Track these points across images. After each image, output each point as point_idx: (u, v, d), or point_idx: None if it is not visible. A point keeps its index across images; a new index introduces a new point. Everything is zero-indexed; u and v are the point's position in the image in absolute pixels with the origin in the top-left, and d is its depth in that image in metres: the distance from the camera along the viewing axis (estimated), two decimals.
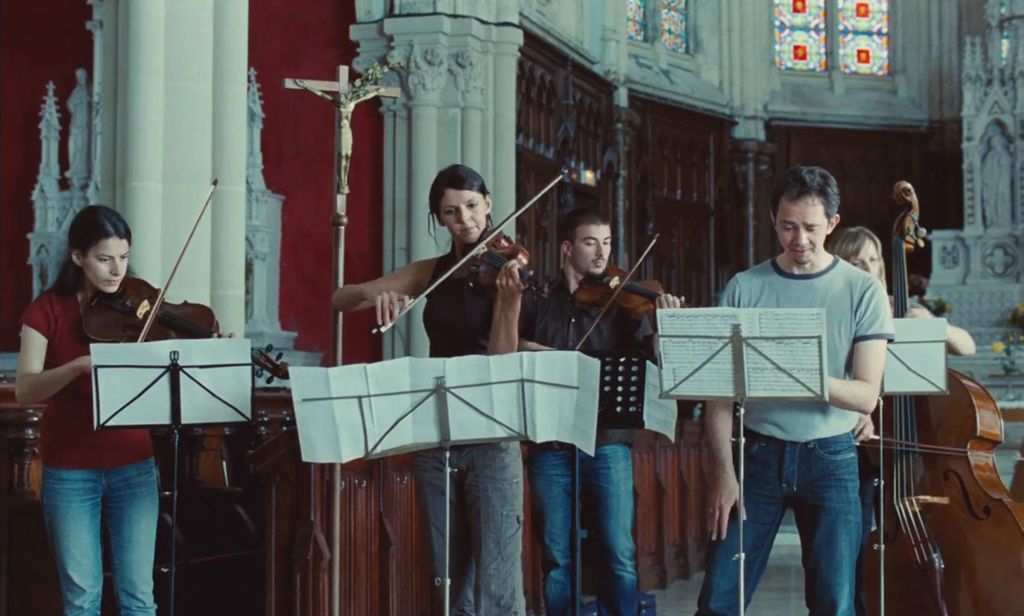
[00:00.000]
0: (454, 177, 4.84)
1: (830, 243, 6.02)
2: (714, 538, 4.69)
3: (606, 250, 5.98)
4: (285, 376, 5.07)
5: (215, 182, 5.77)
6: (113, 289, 4.95)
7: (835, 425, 4.69)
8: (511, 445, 4.69)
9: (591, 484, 5.97)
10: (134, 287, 5.01)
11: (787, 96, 20.23)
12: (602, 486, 5.98)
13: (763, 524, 4.73)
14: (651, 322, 5.74)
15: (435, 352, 4.78)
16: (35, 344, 4.93)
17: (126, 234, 4.98)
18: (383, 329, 4.54)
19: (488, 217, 4.85)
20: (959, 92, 18.91)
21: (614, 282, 5.82)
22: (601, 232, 5.98)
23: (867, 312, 4.65)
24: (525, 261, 4.64)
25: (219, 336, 4.93)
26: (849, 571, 4.69)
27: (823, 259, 4.76)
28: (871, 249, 5.93)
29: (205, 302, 6.69)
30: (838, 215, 4.73)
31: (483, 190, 4.84)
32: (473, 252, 4.68)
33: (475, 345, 4.69)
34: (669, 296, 5.68)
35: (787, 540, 5.06)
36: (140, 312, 4.91)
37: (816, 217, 4.63)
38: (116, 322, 4.92)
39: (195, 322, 4.99)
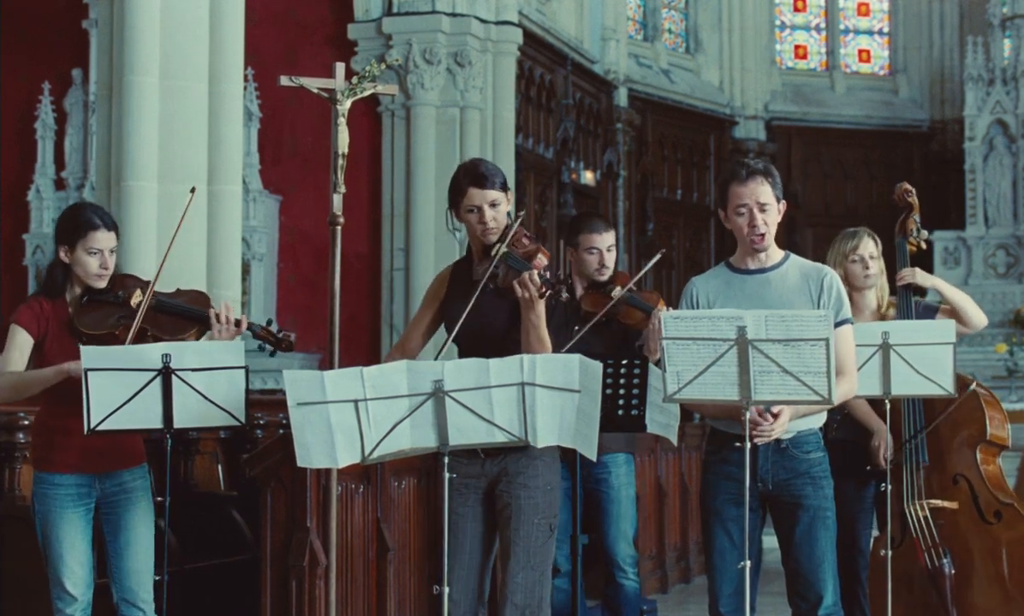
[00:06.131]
0: (477, 175, 4.61)
1: (829, 243, 5.98)
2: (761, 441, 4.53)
3: (609, 257, 5.95)
4: (290, 348, 5.02)
5: (193, 189, 5.78)
6: (103, 284, 4.87)
7: (809, 419, 4.65)
8: (545, 451, 4.49)
9: (592, 489, 5.97)
10: (122, 281, 4.94)
11: (788, 96, 20.14)
12: (603, 491, 5.97)
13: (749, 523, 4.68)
14: None
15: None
16: (19, 342, 4.83)
17: (114, 227, 4.90)
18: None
19: (508, 213, 4.65)
20: (961, 92, 18.83)
21: (615, 292, 5.79)
22: (604, 240, 5.94)
23: (831, 302, 4.66)
24: (545, 262, 4.51)
25: (216, 315, 4.84)
26: (831, 566, 4.68)
27: (776, 252, 4.78)
28: (871, 246, 5.87)
29: None
30: (785, 201, 4.75)
31: (504, 187, 4.64)
32: (494, 253, 4.53)
33: (506, 349, 4.43)
34: (665, 313, 5.56)
35: None
36: (133, 301, 4.84)
37: (767, 196, 4.68)
38: (109, 314, 4.85)
39: (190, 305, 4.92)
